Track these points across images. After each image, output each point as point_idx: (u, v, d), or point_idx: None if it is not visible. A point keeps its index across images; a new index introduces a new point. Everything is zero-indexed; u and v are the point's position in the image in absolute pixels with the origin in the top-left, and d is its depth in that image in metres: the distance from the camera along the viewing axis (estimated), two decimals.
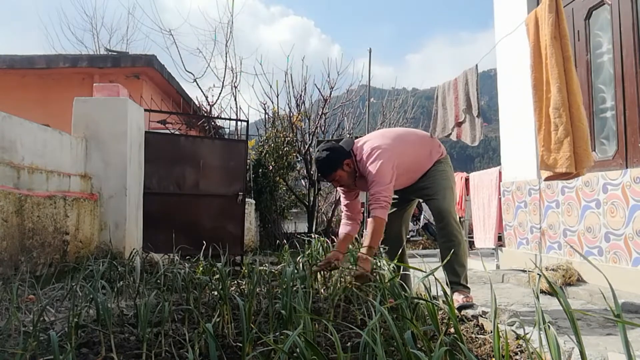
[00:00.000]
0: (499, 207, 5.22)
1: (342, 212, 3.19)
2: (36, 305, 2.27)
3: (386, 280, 2.20)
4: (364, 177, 2.84)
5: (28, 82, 8.43)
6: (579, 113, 2.97)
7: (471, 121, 5.71)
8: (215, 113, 10.33)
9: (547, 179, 3.24)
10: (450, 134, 6.12)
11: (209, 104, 10.31)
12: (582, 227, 3.88)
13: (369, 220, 2.73)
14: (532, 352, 1.25)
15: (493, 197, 5.39)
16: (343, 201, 3.15)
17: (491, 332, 2.04)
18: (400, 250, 3.03)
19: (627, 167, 3.54)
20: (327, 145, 2.87)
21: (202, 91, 10.85)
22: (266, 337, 1.42)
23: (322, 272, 3.06)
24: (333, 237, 4.55)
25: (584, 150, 2.96)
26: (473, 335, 2.09)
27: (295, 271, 2.50)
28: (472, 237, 5.91)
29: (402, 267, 2.71)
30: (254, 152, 9.71)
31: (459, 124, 5.90)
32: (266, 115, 10.79)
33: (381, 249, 3.17)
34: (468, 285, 2.86)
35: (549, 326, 1.16)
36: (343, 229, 3.11)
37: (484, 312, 2.56)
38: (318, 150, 2.86)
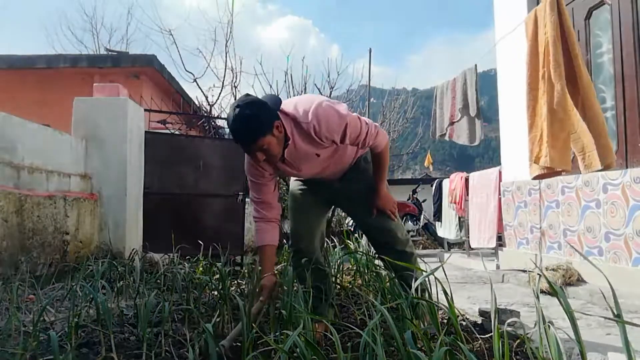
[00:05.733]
0: (499, 207, 5.22)
1: (254, 207, 2.23)
2: (36, 305, 2.27)
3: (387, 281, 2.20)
4: (303, 147, 2.01)
5: (28, 82, 8.42)
6: (594, 109, 2.96)
7: (469, 121, 5.73)
8: (215, 113, 10.32)
9: (536, 177, 3.25)
10: (444, 133, 6.14)
11: (209, 104, 10.30)
12: (582, 227, 3.88)
13: (377, 153, 2.14)
14: (532, 352, 1.25)
15: (492, 197, 5.39)
16: (255, 190, 2.20)
17: (491, 332, 2.04)
18: (318, 269, 2.30)
19: (627, 167, 3.54)
20: (248, 98, 1.92)
21: (202, 91, 10.82)
22: (267, 337, 1.42)
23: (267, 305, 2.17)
24: (333, 237, 4.54)
25: (604, 145, 2.94)
26: (473, 335, 2.09)
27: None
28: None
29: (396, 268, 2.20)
30: None
31: (452, 124, 5.91)
32: None
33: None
34: None
35: (549, 326, 1.16)
36: (262, 236, 2.18)
37: (484, 312, 2.56)
38: (237, 106, 1.88)
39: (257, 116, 1.87)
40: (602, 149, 2.94)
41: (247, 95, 1.96)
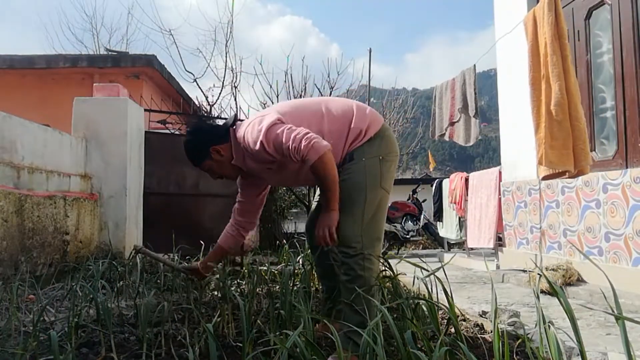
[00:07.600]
0: (499, 207, 5.22)
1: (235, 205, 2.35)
2: (36, 305, 2.27)
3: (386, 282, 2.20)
4: (251, 164, 2.06)
5: (28, 82, 8.42)
6: (577, 112, 2.99)
7: (466, 121, 5.73)
8: (215, 113, 10.31)
9: (545, 177, 3.25)
10: (444, 133, 6.14)
11: (209, 104, 10.29)
12: (582, 227, 3.88)
13: (309, 167, 1.85)
14: (532, 352, 1.25)
15: (492, 197, 5.39)
16: (239, 187, 2.30)
17: (491, 332, 2.04)
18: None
19: (627, 167, 3.54)
20: (190, 127, 2.20)
21: (202, 91, 10.80)
22: (268, 336, 1.42)
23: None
24: None
25: (581, 150, 2.98)
26: (473, 335, 2.09)
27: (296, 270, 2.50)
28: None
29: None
30: None
31: (452, 124, 5.92)
32: None
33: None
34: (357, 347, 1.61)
35: (549, 326, 1.16)
36: (222, 237, 2.37)
37: (484, 312, 2.57)
38: (184, 133, 2.20)
39: (192, 145, 2.10)
40: (579, 153, 2.97)
41: (197, 121, 2.16)
